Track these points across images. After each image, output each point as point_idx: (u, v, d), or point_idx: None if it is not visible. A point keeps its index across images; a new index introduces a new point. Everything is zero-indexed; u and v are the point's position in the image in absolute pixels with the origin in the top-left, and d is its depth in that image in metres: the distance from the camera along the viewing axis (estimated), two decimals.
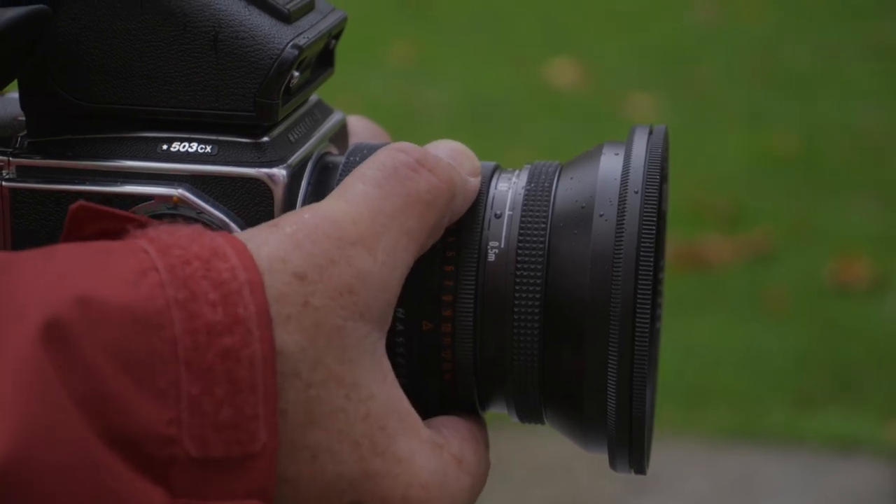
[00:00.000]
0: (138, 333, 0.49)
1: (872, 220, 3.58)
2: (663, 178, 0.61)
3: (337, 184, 0.61)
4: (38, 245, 0.59)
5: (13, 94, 0.63)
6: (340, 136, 0.68)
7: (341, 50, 0.68)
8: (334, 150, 0.66)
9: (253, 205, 0.59)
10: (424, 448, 0.55)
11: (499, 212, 0.61)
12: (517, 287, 0.59)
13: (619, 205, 0.59)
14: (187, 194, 0.59)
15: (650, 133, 0.62)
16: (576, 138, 4.08)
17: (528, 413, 0.62)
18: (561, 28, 5.20)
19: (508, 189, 0.62)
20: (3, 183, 0.60)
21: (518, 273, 0.59)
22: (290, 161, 0.60)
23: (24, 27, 0.57)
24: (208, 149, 0.60)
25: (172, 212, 0.59)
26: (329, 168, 0.63)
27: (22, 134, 0.61)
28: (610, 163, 0.61)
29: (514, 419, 0.63)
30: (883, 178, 3.85)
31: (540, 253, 0.60)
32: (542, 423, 0.62)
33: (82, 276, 0.49)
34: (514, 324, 0.59)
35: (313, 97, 0.67)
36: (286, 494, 0.53)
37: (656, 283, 0.62)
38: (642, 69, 4.75)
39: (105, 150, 0.60)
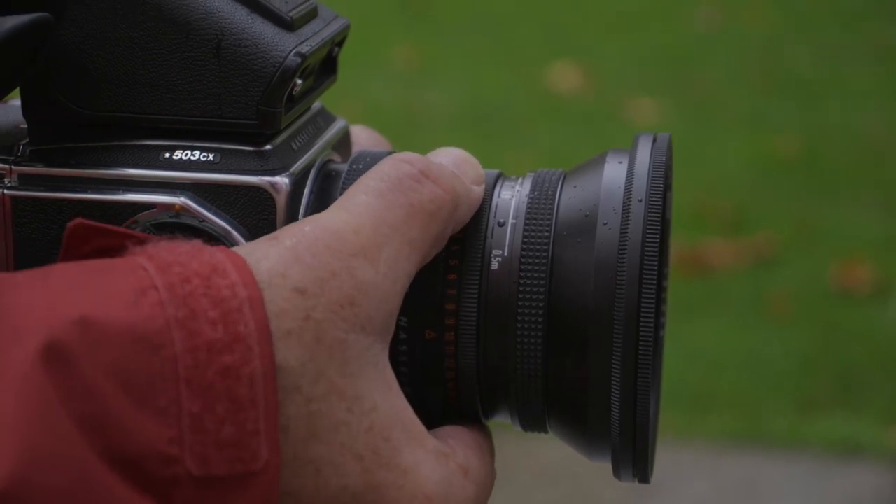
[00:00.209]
0: (138, 353, 0.48)
1: (875, 224, 3.57)
2: (667, 186, 0.61)
3: (340, 191, 0.61)
4: (40, 253, 0.59)
5: (15, 101, 0.63)
6: (343, 143, 0.68)
7: (343, 54, 0.68)
8: (337, 158, 0.66)
9: (255, 213, 0.59)
10: (429, 458, 0.55)
11: (502, 220, 0.61)
12: (520, 295, 0.59)
13: (622, 213, 0.59)
14: (190, 202, 0.59)
15: (654, 141, 0.61)
16: (578, 142, 4.08)
17: (532, 422, 0.61)
18: (563, 31, 5.20)
19: (512, 197, 0.61)
20: (5, 191, 0.60)
21: (521, 281, 0.59)
22: (292, 169, 0.60)
23: (26, 35, 0.56)
24: (211, 157, 0.60)
25: (175, 220, 0.59)
26: (332, 176, 0.63)
27: (24, 142, 0.61)
28: (613, 171, 0.60)
29: (518, 428, 0.62)
30: (886, 182, 3.85)
31: (543, 261, 0.59)
32: (546, 432, 0.62)
33: (81, 296, 0.49)
34: (518, 332, 0.59)
35: (316, 105, 0.67)
36: None
37: (660, 291, 0.62)
38: (644, 73, 4.74)
39: (107, 159, 0.60)
